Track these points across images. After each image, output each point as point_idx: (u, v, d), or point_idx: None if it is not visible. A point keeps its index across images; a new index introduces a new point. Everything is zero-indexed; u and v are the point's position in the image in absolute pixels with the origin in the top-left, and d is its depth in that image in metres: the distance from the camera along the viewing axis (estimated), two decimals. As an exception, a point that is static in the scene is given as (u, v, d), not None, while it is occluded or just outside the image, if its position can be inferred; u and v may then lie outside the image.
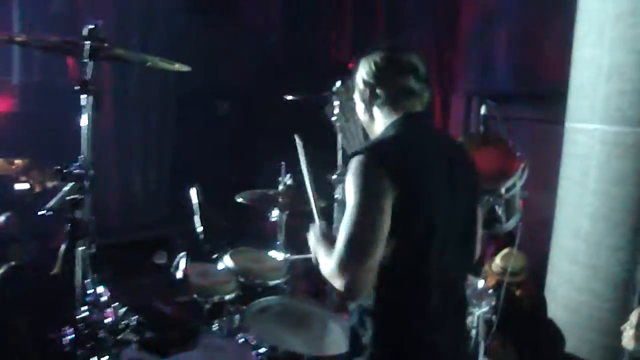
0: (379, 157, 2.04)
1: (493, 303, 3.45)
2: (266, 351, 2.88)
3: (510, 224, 3.46)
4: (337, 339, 3.08)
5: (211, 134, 6.14)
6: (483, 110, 3.66)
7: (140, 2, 6.59)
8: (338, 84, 3.84)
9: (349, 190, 2.01)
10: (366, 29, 7.48)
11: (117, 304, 1.98)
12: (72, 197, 2.12)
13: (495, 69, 6.28)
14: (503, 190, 3.32)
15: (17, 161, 8.44)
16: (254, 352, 2.89)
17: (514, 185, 3.39)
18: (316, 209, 2.46)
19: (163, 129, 6.48)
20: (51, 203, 2.07)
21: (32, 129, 8.42)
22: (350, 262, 1.92)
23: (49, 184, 7.89)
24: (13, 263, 4.37)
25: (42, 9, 7.83)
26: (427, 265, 2.06)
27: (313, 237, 2.28)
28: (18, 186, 7.91)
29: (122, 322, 1.96)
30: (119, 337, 1.94)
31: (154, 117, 6.41)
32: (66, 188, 2.13)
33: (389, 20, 7.23)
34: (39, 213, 2.05)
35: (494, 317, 3.45)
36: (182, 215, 3.46)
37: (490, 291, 3.55)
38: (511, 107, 4.39)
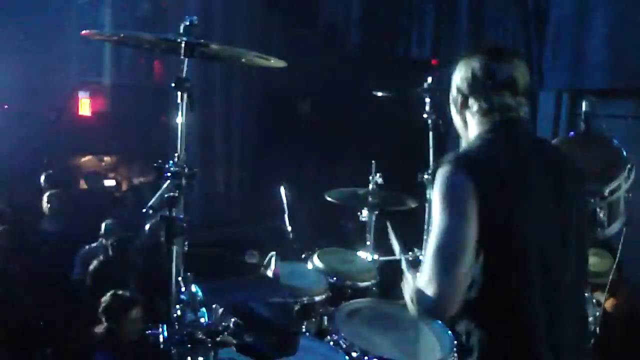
0: (465, 168, 1.97)
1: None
2: (358, 355, 2.79)
3: (613, 229, 3.22)
4: (430, 345, 2.95)
5: (293, 132, 6.13)
6: (584, 107, 3.44)
7: (222, 3, 6.68)
8: (429, 80, 3.70)
9: (435, 202, 1.98)
10: (448, 23, 7.30)
11: (215, 305, 1.95)
12: (169, 195, 2.09)
13: (588, 62, 5.96)
14: (607, 192, 3.09)
15: (107, 158, 8.85)
16: (345, 356, 2.80)
17: (619, 187, 3.15)
18: (405, 262, 2.39)
19: (245, 128, 6.51)
20: (153, 201, 2.05)
21: (121, 128, 8.75)
22: (438, 274, 1.91)
23: (136, 181, 8.20)
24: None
25: (130, 10, 8.12)
26: (525, 277, 1.98)
27: (407, 288, 2.23)
28: (107, 182, 8.26)
29: (220, 324, 1.92)
30: (217, 339, 1.90)
31: (237, 116, 6.46)
32: (164, 186, 2.10)
33: (472, 14, 7.03)
34: (143, 211, 2.03)
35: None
36: (266, 214, 3.44)
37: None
38: (606, 104, 4.14)
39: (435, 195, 1.99)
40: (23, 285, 5.00)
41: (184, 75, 2.26)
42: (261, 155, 6.43)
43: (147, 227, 5.22)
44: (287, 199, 3.25)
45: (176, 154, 2.26)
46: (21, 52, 9.18)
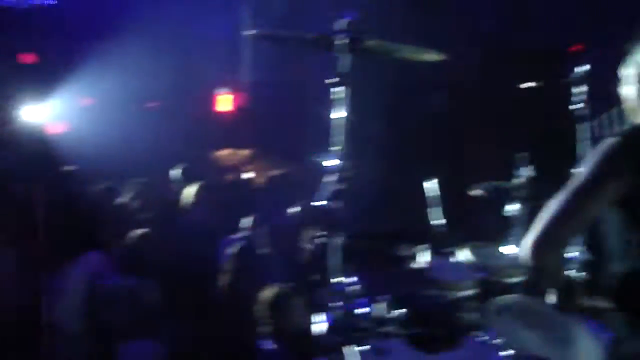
0: (630, 147, 1.93)
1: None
2: (511, 353, 2.74)
3: None
4: (586, 347, 2.83)
5: (430, 125, 6.07)
6: None
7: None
8: (579, 70, 3.53)
9: (581, 168, 1.99)
10: (592, 10, 6.90)
11: (381, 296, 1.99)
12: (332, 188, 2.16)
13: None
14: None
15: (244, 152, 9.25)
16: (497, 353, 2.76)
17: None
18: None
19: (390, 121, 6.53)
20: (323, 194, 2.13)
21: (259, 123, 9.15)
22: (542, 242, 1.92)
23: (273, 174, 8.48)
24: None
25: (267, 9, 8.44)
26: None
27: None
28: (243, 176, 8.63)
29: (387, 315, 1.96)
30: (383, 329, 1.94)
31: (377, 109, 6.49)
32: (328, 179, 2.17)
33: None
34: (314, 204, 2.12)
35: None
36: (416, 207, 3.45)
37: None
38: None
39: (586, 162, 1.98)
40: (173, 278, 5.32)
41: (345, 70, 2.32)
42: (402, 148, 6.43)
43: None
44: (436, 193, 3.24)
45: (335, 148, 2.33)
46: (164, 52, 9.81)
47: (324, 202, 2.16)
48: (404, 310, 1.94)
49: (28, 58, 11.04)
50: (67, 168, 7.35)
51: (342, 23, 2.29)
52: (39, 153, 8.89)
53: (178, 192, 7.13)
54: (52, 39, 10.92)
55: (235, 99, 9.22)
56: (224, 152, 9.05)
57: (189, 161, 8.56)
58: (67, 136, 10.58)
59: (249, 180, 8.33)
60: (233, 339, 5.03)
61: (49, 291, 5.14)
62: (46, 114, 10.86)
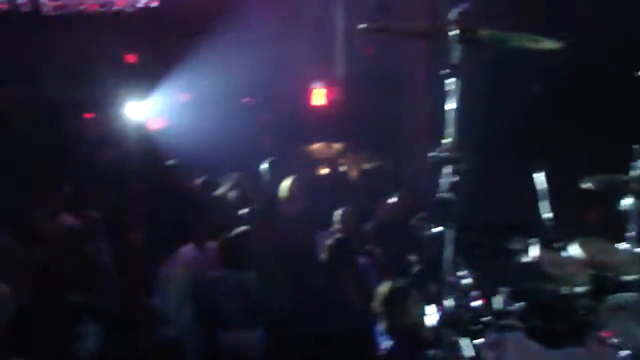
0: None
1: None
2: (630, 354, 2.61)
3: None
4: None
5: (546, 115, 5.83)
6: None
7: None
8: None
9: None
10: None
11: (500, 288, 1.96)
12: (450, 180, 2.15)
13: None
14: None
15: (336, 145, 9.31)
16: (615, 352, 2.64)
17: None
18: None
19: (498, 111, 6.32)
20: (443, 187, 2.12)
21: (352, 116, 9.19)
22: None
23: (366, 167, 8.50)
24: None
25: (361, 1, 8.45)
26: None
27: None
28: (338, 169, 8.69)
29: (506, 307, 1.93)
30: (502, 322, 1.91)
31: (485, 100, 6.30)
32: (446, 171, 2.16)
33: None
34: (434, 198, 2.11)
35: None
36: (525, 200, 3.35)
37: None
38: None
39: None
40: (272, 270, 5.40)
41: (457, 61, 2.29)
42: (511, 139, 6.23)
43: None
44: (544, 186, 3.14)
45: (447, 140, 2.31)
46: (259, 47, 9.99)
47: (439, 194, 2.13)
48: (523, 303, 1.89)
49: (131, 58, 11.63)
50: (168, 162, 7.63)
51: (454, 13, 2.26)
52: (142, 148, 9.35)
53: (268, 185, 7.28)
54: (153, 39, 11.42)
55: (328, 93, 9.29)
56: (318, 146, 9.12)
57: (282, 155, 8.71)
58: (166, 131, 11.03)
59: (342, 173, 8.37)
60: (330, 329, 5.09)
61: (150, 281, 5.33)
62: (147, 110, 11.41)
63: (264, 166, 7.74)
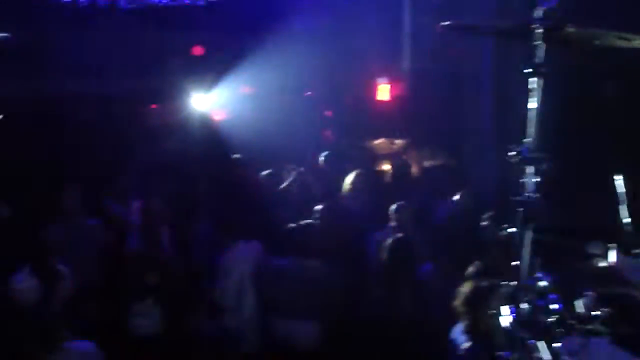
0: None
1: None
2: None
3: None
4: None
5: (629, 116, 5.62)
6: None
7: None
8: None
9: None
10: None
11: (584, 293, 1.93)
12: (531, 180, 2.11)
13: None
14: None
15: (398, 141, 9.28)
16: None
17: None
18: None
19: (578, 112, 6.16)
20: (527, 187, 2.09)
21: (416, 113, 9.12)
22: None
23: (427, 164, 8.42)
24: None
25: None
26: None
27: None
28: (394, 165, 8.64)
29: (590, 312, 1.89)
30: (587, 326, 1.87)
31: (564, 100, 6.15)
32: (528, 171, 2.13)
33: None
34: (515, 198, 2.09)
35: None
36: (603, 204, 3.26)
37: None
38: None
39: None
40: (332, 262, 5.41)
41: (540, 60, 2.25)
42: (590, 141, 6.05)
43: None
44: (623, 190, 3.05)
45: (528, 140, 2.27)
46: (324, 41, 10.02)
47: (521, 195, 2.10)
48: (607, 308, 1.85)
49: (197, 51, 11.88)
50: (233, 155, 7.76)
51: (539, 11, 2.21)
52: (206, 139, 9.55)
53: (326, 179, 7.30)
54: (218, 33, 11.62)
55: (393, 89, 9.25)
56: (379, 141, 9.11)
57: (343, 149, 8.73)
58: (228, 123, 11.23)
59: (403, 169, 8.30)
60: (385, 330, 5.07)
61: (212, 269, 5.43)
62: (211, 102, 11.64)
63: (321, 159, 7.78)
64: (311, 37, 9.85)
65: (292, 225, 5.27)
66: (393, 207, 5.87)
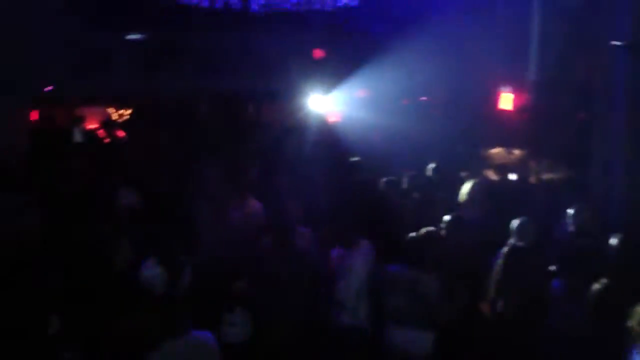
0: None
1: None
2: None
3: None
4: None
5: None
6: None
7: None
8: None
9: None
10: None
11: None
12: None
13: None
14: None
15: (516, 152, 9.03)
16: None
17: None
18: None
19: None
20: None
21: (538, 124, 8.85)
22: None
23: (546, 177, 8.14)
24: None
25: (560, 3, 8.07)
26: None
27: None
28: (510, 176, 8.44)
29: None
30: None
31: None
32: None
33: None
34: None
35: None
36: None
37: None
38: None
39: None
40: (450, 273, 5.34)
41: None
42: None
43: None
44: None
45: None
46: (444, 47, 9.96)
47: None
48: None
49: (318, 54, 12.19)
50: (353, 158, 7.86)
51: None
52: (324, 140, 9.77)
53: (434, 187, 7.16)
54: (339, 37, 11.87)
55: (516, 98, 9.02)
56: (496, 150, 8.89)
57: (456, 156, 8.59)
58: (342, 126, 11.42)
59: (521, 181, 8.09)
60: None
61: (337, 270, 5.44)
62: (328, 104, 11.90)
63: (430, 167, 7.66)
64: (433, 42, 9.80)
65: (413, 234, 5.21)
66: (515, 222, 5.66)
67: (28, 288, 4.29)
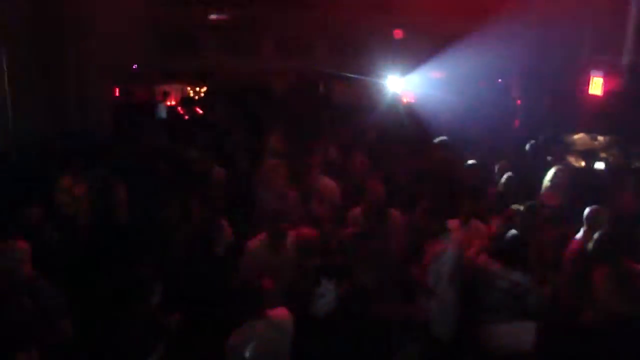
0: None
1: None
2: None
3: None
4: None
5: None
6: None
7: None
8: None
9: None
10: None
11: None
12: None
13: None
14: None
15: (600, 138, 8.72)
16: None
17: None
18: None
19: None
20: None
21: (628, 109, 8.48)
22: None
23: (634, 164, 7.83)
24: None
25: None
26: None
27: None
28: (597, 165, 8.16)
29: None
30: None
31: None
32: None
33: None
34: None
35: None
36: None
37: None
38: None
39: None
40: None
41: None
42: None
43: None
44: None
45: None
46: (536, 28, 9.65)
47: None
48: None
49: (398, 34, 12.13)
50: (439, 139, 7.71)
51: None
52: (405, 120, 9.75)
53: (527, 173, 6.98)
54: (420, 17, 11.75)
55: (606, 83, 8.66)
56: (579, 136, 8.61)
57: (541, 142, 8.34)
58: (417, 106, 11.35)
59: (607, 168, 7.79)
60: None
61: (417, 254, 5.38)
62: (404, 84, 11.86)
63: (525, 150, 7.45)
64: (517, 24, 9.55)
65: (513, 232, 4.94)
66: (587, 210, 5.34)
67: (129, 259, 4.56)
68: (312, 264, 4.47)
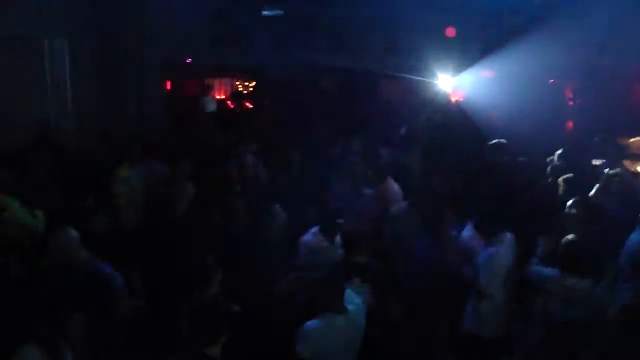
0: None
1: None
2: None
3: None
4: None
5: None
6: None
7: None
8: None
9: None
10: None
11: None
12: None
13: None
14: None
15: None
16: None
17: None
18: None
19: None
20: None
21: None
22: None
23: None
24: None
25: None
26: None
27: None
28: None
29: None
30: None
31: None
32: None
33: None
34: None
35: None
36: None
37: None
38: None
39: None
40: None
41: None
42: None
43: None
44: None
45: None
46: (585, 28, 9.49)
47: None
48: None
49: (450, 32, 12.06)
50: (494, 141, 7.59)
51: None
52: (459, 120, 9.72)
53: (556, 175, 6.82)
54: (471, 16, 11.67)
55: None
56: (635, 140, 8.40)
57: (594, 144, 8.15)
58: (466, 105, 11.28)
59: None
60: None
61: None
62: (454, 83, 11.80)
63: (557, 153, 7.34)
64: (571, 23, 9.40)
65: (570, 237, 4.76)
66: None
67: (190, 248, 4.71)
68: (354, 261, 4.56)
